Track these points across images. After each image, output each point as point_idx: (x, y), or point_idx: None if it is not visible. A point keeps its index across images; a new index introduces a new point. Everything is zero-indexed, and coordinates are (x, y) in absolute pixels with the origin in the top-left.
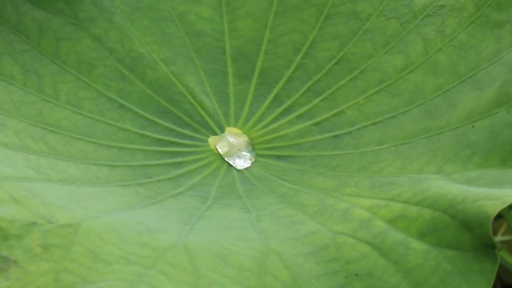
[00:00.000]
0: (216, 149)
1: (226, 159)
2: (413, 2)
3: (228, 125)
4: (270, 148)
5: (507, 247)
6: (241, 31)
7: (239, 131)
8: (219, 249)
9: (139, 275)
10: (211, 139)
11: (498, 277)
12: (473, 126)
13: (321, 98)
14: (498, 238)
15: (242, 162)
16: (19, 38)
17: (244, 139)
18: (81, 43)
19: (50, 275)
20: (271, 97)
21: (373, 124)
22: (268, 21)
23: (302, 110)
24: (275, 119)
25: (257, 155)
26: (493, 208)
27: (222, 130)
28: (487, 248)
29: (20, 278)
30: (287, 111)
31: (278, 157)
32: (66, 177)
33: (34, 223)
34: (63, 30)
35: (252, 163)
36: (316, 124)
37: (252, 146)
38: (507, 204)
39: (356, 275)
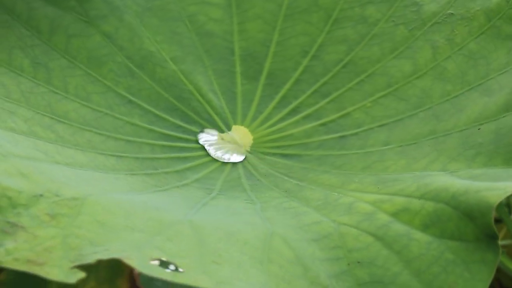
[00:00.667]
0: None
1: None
2: (421, 9)
3: (235, 123)
4: (277, 147)
5: (506, 251)
6: (250, 32)
7: (246, 130)
8: (224, 227)
9: (146, 240)
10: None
11: (497, 281)
12: (479, 129)
13: (328, 100)
14: None
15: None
16: (30, 33)
17: (249, 137)
18: (91, 40)
19: (58, 239)
20: (278, 97)
21: (380, 126)
22: (277, 23)
23: (309, 111)
24: (282, 119)
25: (263, 153)
26: (495, 197)
27: (229, 128)
28: (489, 238)
29: (28, 240)
30: (294, 111)
31: (284, 156)
32: (73, 162)
33: (41, 195)
34: (74, 27)
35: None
36: (323, 124)
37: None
38: (509, 194)
39: (358, 262)
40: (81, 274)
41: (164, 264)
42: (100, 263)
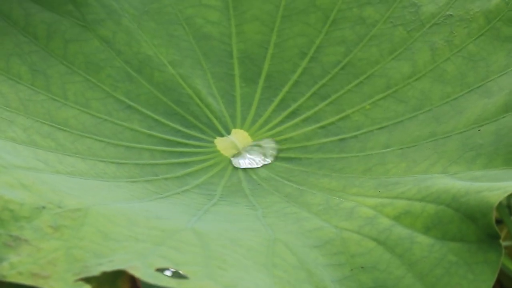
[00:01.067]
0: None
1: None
2: (420, 10)
3: (235, 127)
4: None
5: (507, 252)
6: (248, 34)
7: (245, 133)
8: (227, 234)
9: (150, 250)
10: (218, 141)
11: (498, 281)
12: (479, 130)
13: (327, 102)
14: None
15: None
16: (28, 39)
17: (249, 141)
18: (89, 45)
19: (61, 251)
20: (277, 100)
21: (379, 128)
22: (274, 24)
23: (308, 113)
24: (281, 122)
25: None
26: (496, 197)
27: (229, 132)
28: (491, 238)
29: (31, 254)
30: (293, 114)
31: (284, 159)
32: (74, 170)
33: (43, 207)
34: (72, 32)
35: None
36: (322, 127)
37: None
38: (509, 193)
39: (361, 267)
40: (86, 287)
41: (169, 272)
42: None
